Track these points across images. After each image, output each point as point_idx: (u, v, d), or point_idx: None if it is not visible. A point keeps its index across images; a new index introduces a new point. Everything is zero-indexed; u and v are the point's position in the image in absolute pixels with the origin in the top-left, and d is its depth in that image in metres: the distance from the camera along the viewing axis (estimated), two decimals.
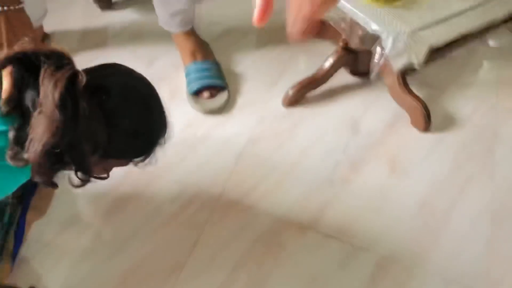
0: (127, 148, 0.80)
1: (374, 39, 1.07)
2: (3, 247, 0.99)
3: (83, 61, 0.73)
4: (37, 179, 0.71)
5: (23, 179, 0.74)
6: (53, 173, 0.73)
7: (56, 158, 0.68)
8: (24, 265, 1.00)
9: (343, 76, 1.40)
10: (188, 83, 1.32)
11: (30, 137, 0.65)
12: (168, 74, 1.40)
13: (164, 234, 1.07)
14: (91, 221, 1.09)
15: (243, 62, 1.44)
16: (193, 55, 1.36)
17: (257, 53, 1.47)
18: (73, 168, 0.73)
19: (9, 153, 0.67)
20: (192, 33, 1.38)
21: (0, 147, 0.68)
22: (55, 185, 0.76)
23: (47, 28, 1.44)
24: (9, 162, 0.67)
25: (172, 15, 1.31)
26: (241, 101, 1.35)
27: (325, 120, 1.30)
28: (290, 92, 1.31)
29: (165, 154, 1.14)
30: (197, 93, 1.30)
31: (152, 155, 0.86)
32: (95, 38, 1.50)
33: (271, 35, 1.55)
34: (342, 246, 1.04)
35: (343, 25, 1.12)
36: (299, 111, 1.32)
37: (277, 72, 1.42)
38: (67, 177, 0.75)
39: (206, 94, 1.29)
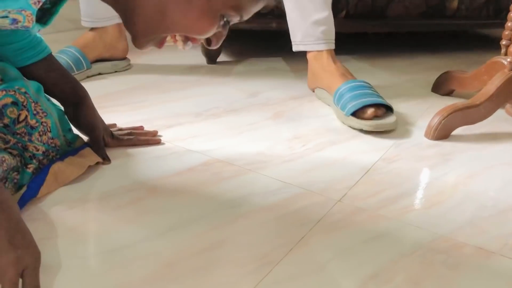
0: None
1: None
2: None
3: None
4: None
5: None
6: None
7: None
8: (36, 223, 0.62)
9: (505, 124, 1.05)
10: (345, 104, 1.01)
11: None
12: (273, 102, 1.14)
13: (249, 225, 0.65)
14: (141, 196, 0.71)
15: None
16: (344, 76, 1.10)
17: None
18: None
19: None
20: (334, 55, 1.15)
21: None
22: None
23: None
24: None
25: (314, 24, 1.12)
26: None
27: (490, 154, 0.91)
28: (435, 120, 0.97)
29: (264, 153, 0.86)
30: (354, 113, 0.99)
31: None
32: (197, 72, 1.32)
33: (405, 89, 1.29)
34: None
35: None
36: (451, 144, 0.95)
37: (418, 111, 1.10)
38: None
39: (370, 111, 0.97)
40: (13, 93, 0.69)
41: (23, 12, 0.55)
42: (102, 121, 0.85)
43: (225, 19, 0.59)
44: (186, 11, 0.56)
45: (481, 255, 0.62)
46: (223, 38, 0.62)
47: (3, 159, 0.64)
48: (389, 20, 1.57)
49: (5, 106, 0.68)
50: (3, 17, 0.55)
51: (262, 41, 1.78)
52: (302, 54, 1.19)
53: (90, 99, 0.83)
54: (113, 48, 1.30)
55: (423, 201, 0.74)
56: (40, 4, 0.55)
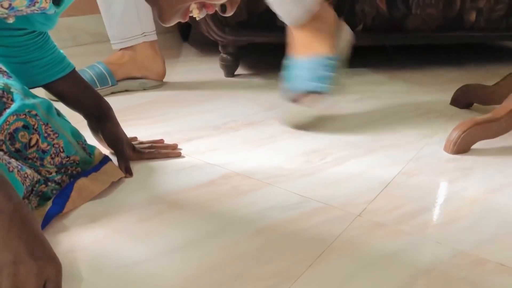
0: None
1: None
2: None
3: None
4: None
5: None
6: None
7: None
8: (59, 236, 0.63)
9: None
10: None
11: None
12: None
13: (269, 240, 0.66)
14: (162, 210, 0.72)
15: (385, 111, 1.15)
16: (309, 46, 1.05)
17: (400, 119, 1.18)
18: None
19: None
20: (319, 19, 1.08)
21: None
22: None
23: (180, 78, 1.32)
24: None
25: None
26: (387, 142, 1.01)
27: (511, 168, 0.91)
28: (455, 134, 0.96)
29: (283, 167, 0.87)
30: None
31: None
32: (217, 87, 1.34)
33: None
34: None
35: None
36: (471, 158, 0.95)
37: (437, 124, 1.10)
38: None
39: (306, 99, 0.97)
40: (23, 116, 0.69)
41: None
42: (125, 134, 0.86)
43: None
44: None
45: (503, 271, 0.61)
46: (237, 4, 0.62)
47: (25, 175, 0.65)
48: (406, 33, 1.58)
49: (16, 130, 0.68)
50: None
51: (279, 54, 1.79)
52: None
53: (114, 113, 0.85)
54: (145, 69, 1.30)
55: (443, 216, 0.74)
56: None
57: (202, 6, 0.61)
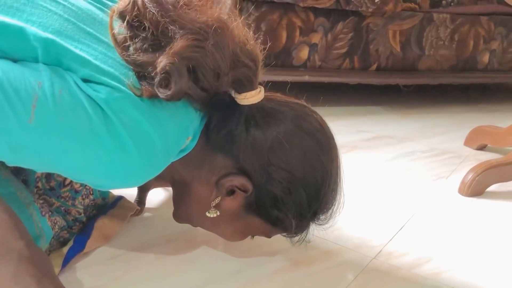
0: (277, 208, 0.60)
1: None
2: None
3: None
4: None
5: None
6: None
7: None
8: (80, 272, 0.65)
9: None
10: None
11: None
12: None
13: (285, 281, 0.66)
14: (180, 247, 0.73)
15: (399, 151, 1.16)
16: None
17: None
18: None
19: None
20: None
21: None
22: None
23: None
24: None
25: None
26: (401, 183, 1.02)
27: None
28: (470, 177, 0.97)
29: None
30: None
31: (305, 229, 0.64)
32: None
33: None
34: None
35: None
36: (484, 202, 0.95)
37: (451, 165, 1.11)
38: None
39: None
40: None
41: None
42: None
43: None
44: (228, 226, 0.63)
45: None
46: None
47: (55, 221, 0.66)
48: (420, 73, 1.60)
49: None
50: None
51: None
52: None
53: None
54: None
55: (458, 260, 0.74)
56: None
57: None
